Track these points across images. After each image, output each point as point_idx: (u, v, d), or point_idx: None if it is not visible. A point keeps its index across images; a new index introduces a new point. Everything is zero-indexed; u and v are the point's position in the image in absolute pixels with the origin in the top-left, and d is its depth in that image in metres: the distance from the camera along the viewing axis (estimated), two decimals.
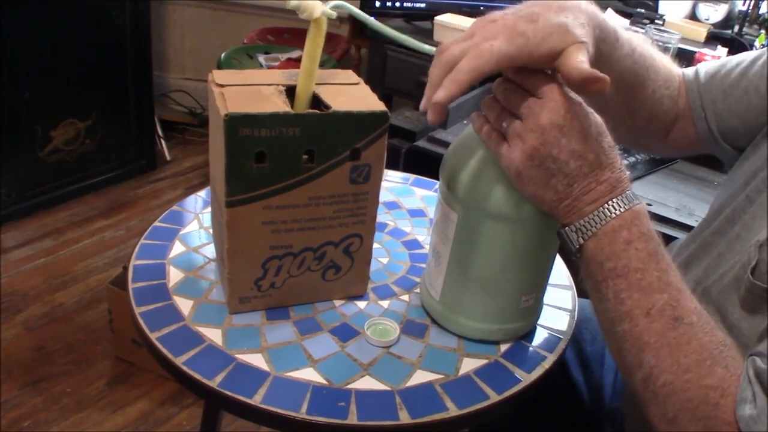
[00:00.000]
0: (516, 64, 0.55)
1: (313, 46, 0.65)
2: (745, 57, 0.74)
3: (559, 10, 0.56)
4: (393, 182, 1.02)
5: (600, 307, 0.57)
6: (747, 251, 0.59)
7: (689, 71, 0.77)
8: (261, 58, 2.22)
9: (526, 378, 0.67)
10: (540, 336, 0.73)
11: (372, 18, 0.68)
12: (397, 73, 1.84)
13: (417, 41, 0.68)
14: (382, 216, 0.92)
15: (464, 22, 1.71)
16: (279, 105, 0.63)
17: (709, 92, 0.74)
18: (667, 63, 0.76)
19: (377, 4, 1.84)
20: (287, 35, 2.44)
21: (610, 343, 0.58)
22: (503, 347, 0.71)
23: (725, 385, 0.51)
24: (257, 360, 0.65)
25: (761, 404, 0.48)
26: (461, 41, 0.56)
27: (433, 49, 0.66)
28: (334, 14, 0.64)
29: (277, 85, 0.67)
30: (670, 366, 0.52)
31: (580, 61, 0.53)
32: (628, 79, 0.70)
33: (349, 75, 0.73)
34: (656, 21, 1.74)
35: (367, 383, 0.64)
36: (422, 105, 0.56)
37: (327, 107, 0.64)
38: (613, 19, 0.66)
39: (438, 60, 0.56)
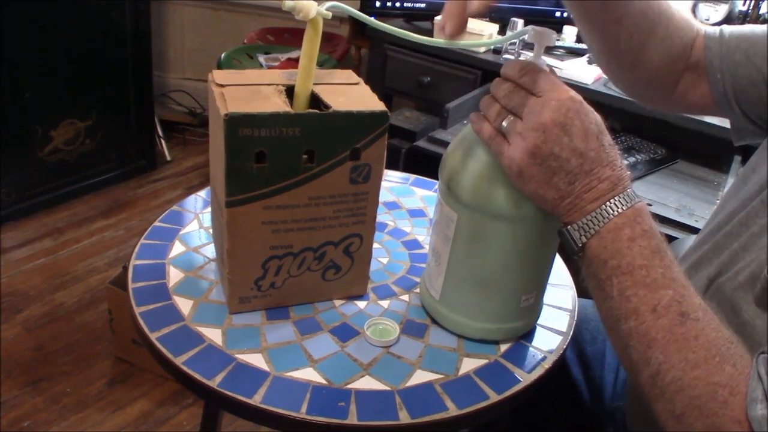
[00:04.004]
0: None
1: (311, 45, 0.65)
2: None
3: None
4: (393, 182, 1.02)
5: (604, 306, 0.57)
6: (764, 250, 0.59)
7: (712, 29, 0.75)
8: (261, 58, 2.22)
9: (526, 378, 0.67)
10: (540, 336, 0.73)
11: (363, 15, 0.68)
12: (397, 73, 1.84)
13: (416, 34, 0.68)
14: (382, 216, 0.92)
15: None
16: (279, 105, 0.63)
17: (733, 54, 0.72)
18: (684, 13, 0.74)
19: (377, 4, 1.84)
20: (287, 35, 2.44)
21: (614, 341, 0.58)
22: (503, 347, 0.71)
23: (734, 383, 0.50)
24: (257, 360, 0.65)
25: None
26: None
27: (435, 40, 0.67)
28: (329, 14, 0.64)
29: (277, 85, 0.67)
30: (678, 362, 0.52)
31: None
32: (638, 20, 0.69)
33: (349, 75, 0.73)
34: None
35: (367, 383, 0.64)
36: (441, 21, 0.62)
37: (327, 107, 0.64)
38: None
39: None
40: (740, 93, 0.72)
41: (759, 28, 0.72)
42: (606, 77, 1.59)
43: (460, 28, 0.61)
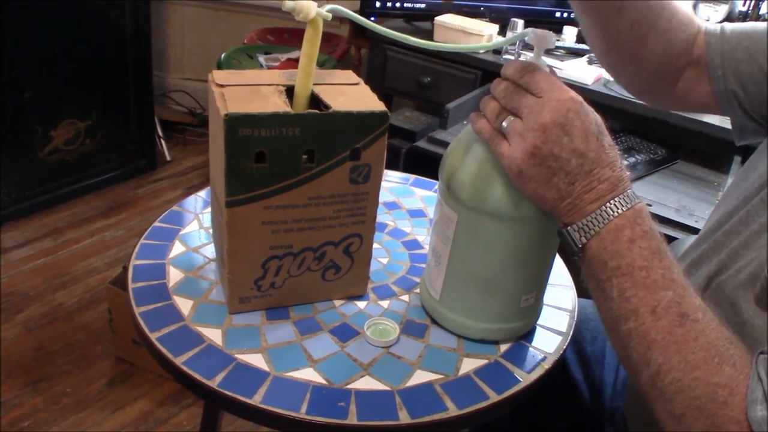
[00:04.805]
0: None
1: (310, 46, 0.65)
2: None
3: None
4: (393, 182, 1.02)
5: (604, 306, 0.57)
6: (764, 249, 0.59)
7: (713, 26, 0.74)
8: (261, 58, 2.22)
9: (526, 378, 0.67)
10: (540, 336, 0.73)
11: (363, 18, 0.69)
12: (397, 73, 1.84)
13: (412, 37, 0.68)
14: (382, 216, 0.92)
15: (464, 22, 1.71)
16: (279, 105, 0.63)
17: (735, 51, 0.71)
18: (687, 9, 0.73)
19: (377, 4, 1.84)
20: (287, 35, 2.44)
21: (614, 342, 0.58)
22: (503, 347, 0.71)
23: (733, 383, 0.50)
24: (257, 360, 0.65)
25: None
26: None
27: (429, 43, 0.66)
28: (329, 16, 0.64)
29: (277, 85, 0.67)
30: (677, 363, 0.52)
31: None
32: (640, 12, 0.69)
33: (349, 75, 0.73)
34: None
35: (366, 383, 0.64)
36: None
37: (327, 107, 0.64)
38: None
39: None
40: (742, 90, 0.71)
41: (760, 25, 0.71)
42: (606, 78, 1.60)
43: None
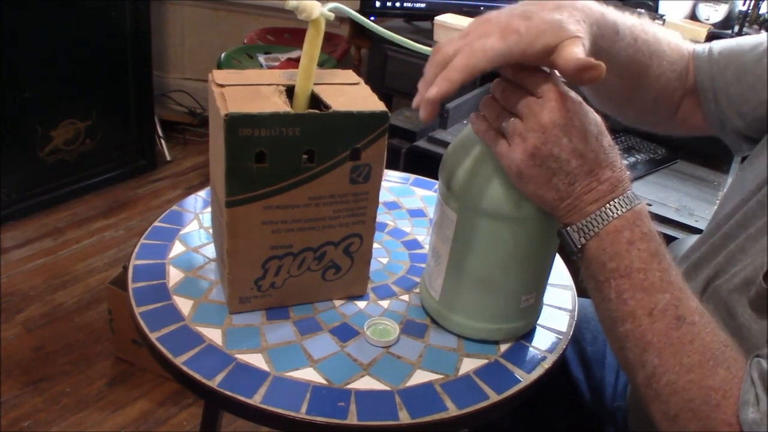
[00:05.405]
0: (510, 61, 0.55)
1: (312, 46, 0.65)
2: (761, 40, 0.71)
3: (554, 8, 0.56)
4: (393, 182, 1.02)
5: (602, 307, 0.57)
6: (760, 254, 0.59)
7: (701, 48, 0.74)
8: (261, 58, 2.22)
9: (526, 378, 0.67)
10: (540, 336, 0.73)
11: (366, 20, 0.69)
12: (397, 73, 1.84)
13: (412, 41, 0.68)
14: (382, 216, 0.92)
15: (464, 22, 1.71)
16: (279, 105, 0.63)
17: (723, 74, 0.72)
18: (674, 43, 0.73)
19: (377, 4, 1.84)
20: (287, 35, 2.44)
21: (612, 343, 0.58)
22: (503, 347, 0.71)
23: (727, 387, 0.51)
24: (257, 360, 0.65)
25: (764, 407, 0.48)
26: (456, 40, 0.56)
27: (429, 48, 0.66)
28: (332, 15, 0.64)
29: (277, 85, 0.67)
30: (672, 366, 0.52)
31: (574, 52, 0.53)
32: (630, 68, 0.69)
33: (349, 75, 0.73)
34: (656, 21, 1.74)
35: (366, 383, 0.64)
36: (415, 102, 0.56)
37: (327, 107, 0.64)
38: (613, 12, 0.65)
39: (433, 58, 0.57)
40: (735, 111, 0.72)
41: (745, 42, 0.72)
42: None
43: (431, 115, 0.56)
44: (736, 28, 1.70)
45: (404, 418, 0.61)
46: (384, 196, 0.95)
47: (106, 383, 1.56)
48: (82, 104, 2.13)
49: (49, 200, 2.14)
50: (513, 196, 0.61)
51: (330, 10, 0.64)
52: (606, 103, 0.75)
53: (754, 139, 0.72)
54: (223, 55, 2.20)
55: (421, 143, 1.51)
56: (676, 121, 0.77)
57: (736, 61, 0.71)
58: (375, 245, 0.76)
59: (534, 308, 0.72)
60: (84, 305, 1.78)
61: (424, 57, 0.60)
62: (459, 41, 0.56)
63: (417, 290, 0.77)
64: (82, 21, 2.03)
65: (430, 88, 0.55)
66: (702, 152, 1.56)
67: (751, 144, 0.73)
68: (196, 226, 0.85)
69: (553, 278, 0.75)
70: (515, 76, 0.58)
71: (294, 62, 2.13)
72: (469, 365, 0.68)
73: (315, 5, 0.63)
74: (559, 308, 0.78)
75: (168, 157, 2.51)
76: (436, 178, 0.69)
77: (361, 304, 0.75)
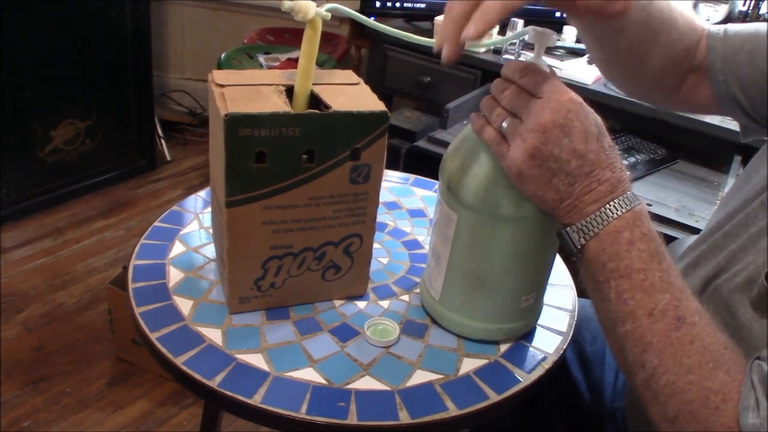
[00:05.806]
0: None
1: (310, 46, 0.65)
2: None
3: None
4: (393, 182, 1.02)
5: (601, 307, 0.57)
6: (762, 253, 0.59)
7: (716, 28, 0.74)
8: (261, 58, 2.22)
9: (526, 378, 0.67)
10: (540, 336, 0.73)
11: (362, 16, 0.68)
12: (397, 73, 1.84)
13: (411, 34, 0.68)
14: (382, 216, 0.92)
15: None
16: (279, 105, 0.63)
17: (736, 55, 0.71)
18: (688, 16, 0.73)
19: (377, 4, 1.84)
20: (287, 35, 2.44)
21: (611, 343, 0.58)
22: (503, 347, 0.71)
23: (726, 390, 0.51)
24: (257, 360, 0.65)
25: (764, 412, 0.48)
26: None
27: (430, 40, 0.66)
28: (328, 16, 0.64)
29: (277, 85, 0.67)
30: (672, 367, 0.52)
31: None
32: (639, 30, 0.68)
33: (349, 75, 0.73)
34: None
35: (367, 383, 0.64)
36: (437, 44, 0.57)
37: (327, 107, 0.64)
38: None
39: (452, 10, 0.56)
40: (743, 93, 0.71)
41: (762, 27, 0.71)
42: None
43: (456, 54, 0.57)
44: None
45: (404, 418, 0.61)
46: (384, 196, 0.95)
47: (106, 383, 1.56)
48: (82, 104, 2.13)
49: (49, 200, 2.14)
50: (513, 196, 0.61)
51: (327, 11, 0.64)
52: (615, 70, 0.75)
53: (760, 123, 0.72)
54: (223, 55, 2.20)
55: (421, 143, 1.51)
56: (679, 95, 0.76)
57: (750, 44, 0.70)
58: (375, 245, 0.76)
59: (534, 308, 0.72)
60: (84, 305, 1.78)
61: (425, 57, 0.60)
62: None
63: (417, 290, 0.77)
64: (82, 21, 2.03)
65: (467, 27, 0.53)
66: (702, 152, 1.57)
67: (758, 127, 0.73)
68: (196, 226, 0.85)
69: (553, 278, 0.75)
70: (515, 76, 0.58)
71: (294, 62, 2.13)
72: (469, 365, 0.68)
73: (310, 6, 0.63)
74: (559, 308, 0.78)
75: (168, 157, 2.51)
76: (436, 178, 0.69)
77: (361, 304, 0.75)
